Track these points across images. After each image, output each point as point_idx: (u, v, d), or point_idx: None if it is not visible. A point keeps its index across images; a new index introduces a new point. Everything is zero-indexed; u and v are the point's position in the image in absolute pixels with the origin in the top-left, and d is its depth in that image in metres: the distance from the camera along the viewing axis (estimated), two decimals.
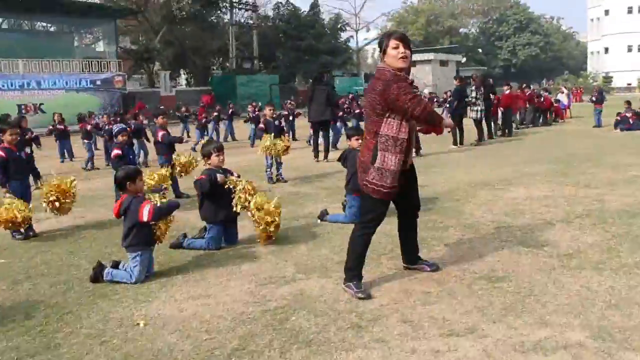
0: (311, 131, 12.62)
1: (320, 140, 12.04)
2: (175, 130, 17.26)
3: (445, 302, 3.71)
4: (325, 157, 11.57)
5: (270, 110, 9.49)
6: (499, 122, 15.95)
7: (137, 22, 39.13)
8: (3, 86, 26.39)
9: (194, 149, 15.27)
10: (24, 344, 3.45)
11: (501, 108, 15.89)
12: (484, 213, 6.11)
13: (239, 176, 5.63)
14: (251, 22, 43.81)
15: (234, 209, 5.23)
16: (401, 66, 3.76)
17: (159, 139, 7.94)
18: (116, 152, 6.93)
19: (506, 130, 15.88)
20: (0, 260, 5.32)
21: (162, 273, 4.70)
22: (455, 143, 13.26)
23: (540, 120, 19.54)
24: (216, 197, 5.32)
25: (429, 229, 5.53)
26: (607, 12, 69.11)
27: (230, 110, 19.21)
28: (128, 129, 7.44)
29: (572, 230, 5.23)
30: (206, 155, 5.52)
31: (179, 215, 6.31)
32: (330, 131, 13.91)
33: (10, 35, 31.24)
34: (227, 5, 40.44)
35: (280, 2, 46.73)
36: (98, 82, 30.11)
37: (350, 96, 24.23)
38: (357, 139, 6.12)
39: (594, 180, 7.81)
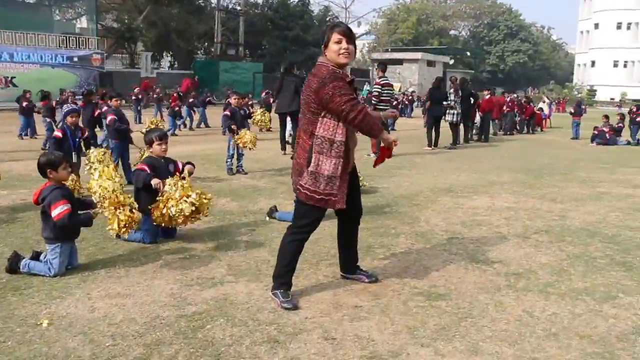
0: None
1: (290, 132, 11.76)
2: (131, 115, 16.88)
3: (375, 319, 3.42)
4: (293, 145, 11.23)
5: (235, 99, 9.27)
6: (476, 126, 15.79)
7: (121, 1, 38.25)
8: None
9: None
10: None
11: (480, 113, 15.73)
12: (440, 221, 5.85)
13: (182, 176, 5.12)
14: (239, 8, 43.11)
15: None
16: (342, 62, 3.46)
17: (107, 123, 7.56)
18: (56, 133, 6.62)
19: (482, 136, 15.72)
20: None
21: (87, 266, 4.36)
22: (429, 145, 13.05)
23: (522, 128, 19.45)
24: (151, 189, 4.98)
25: (378, 235, 5.25)
26: (596, 26, 69.59)
27: (208, 98, 18.87)
28: (78, 111, 7.03)
29: (527, 247, 4.98)
30: (148, 143, 5.17)
31: None
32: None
33: None
34: None
35: None
36: (75, 59, 29.39)
37: None
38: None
39: (560, 194, 7.61)
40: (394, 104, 23.55)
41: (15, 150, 11.39)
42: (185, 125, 17.07)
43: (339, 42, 3.43)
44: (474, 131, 15.83)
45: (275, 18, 44.56)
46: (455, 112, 13.34)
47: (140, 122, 17.68)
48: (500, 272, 4.26)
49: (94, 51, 30.63)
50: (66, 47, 29.16)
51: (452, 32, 71.11)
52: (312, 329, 3.28)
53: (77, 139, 6.77)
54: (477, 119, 15.68)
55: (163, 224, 4.76)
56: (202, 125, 17.64)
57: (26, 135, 13.50)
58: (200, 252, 4.74)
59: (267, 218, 5.80)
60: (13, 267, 4.19)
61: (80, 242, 4.85)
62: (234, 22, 43.33)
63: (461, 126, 14.07)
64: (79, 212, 4.27)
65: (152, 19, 37.59)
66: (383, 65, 11.80)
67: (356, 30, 62.90)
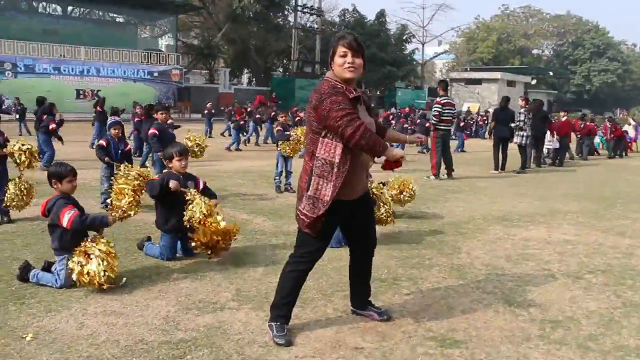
0: None
1: None
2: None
3: None
4: None
5: (282, 117, 9.83)
6: (548, 149, 14.83)
7: (203, 19, 39.71)
8: (64, 70, 27.33)
9: (228, 149, 15.14)
10: None
11: (557, 136, 14.75)
12: (483, 254, 5.30)
13: (200, 189, 5.03)
14: (316, 26, 43.59)
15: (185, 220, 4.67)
16: (347, 77, 3.15)
17: (148, 136, 7.65)
18: (101, 142, 6.73)
19: (557, 160, 14.71)
20: None
21: None
22: (496, 168, 12.31)
23: (610, 151, 18.27)
24: (168, 203, 4.84)
25: (410, 266, 4.80)
26: None
27: (273, 114, 18.98)
28: (120, 124, 7.12)
29: (576, 289, 4.34)
30: (168, 158, 5.02)
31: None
32: None
33: (77, 23, 32.45)
34: (291, 8, 40.44)
35: (347, 9, 46.38)
36: (155, 74, 30.74)
37: (407, 109, 23.74)
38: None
39: (631, 227, 6.77)
40: (461, 125, 22.76)
41: (79, 159, 11.81)
42: (249, 141, 17.18)
43: (344, 55, 3.14)
44: (548, 154, 14.85)
45: None
46: (525, 134, 12.50)
47: (210, 136, 18.03)
48: (535, 318, 3.69)
49: (173, 67, 31.92)
50: (147, 62, 30.60)
51: (534, 51, 68.49)
52: None
53: (120, 151, 6.80)
54: (551, 141, 14.68)
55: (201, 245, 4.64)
56: (269, 140, 17.70)
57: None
58: (214, 273, 4.50)
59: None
60: (23, 276, 4.15)
61: None
62: (311, 40, 43.87)
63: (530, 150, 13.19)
64: (95, 214, 4.17)
65: (231, 36, 38.72)
66: (444, 83, 11.28)
67: (436, 49, 62.06)
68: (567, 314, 3.78)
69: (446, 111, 10.78)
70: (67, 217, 3.97)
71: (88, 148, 13.69)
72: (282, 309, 3.36)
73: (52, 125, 10.35)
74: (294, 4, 40.25)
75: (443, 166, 10.89)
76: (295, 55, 41.73)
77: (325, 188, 3.08)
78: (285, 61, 45.94)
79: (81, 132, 16.89)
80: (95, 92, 27.98)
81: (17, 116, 18.33)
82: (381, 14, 46.13)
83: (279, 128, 9.31)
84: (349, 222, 3.40)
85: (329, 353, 3.13)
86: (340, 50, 3.14)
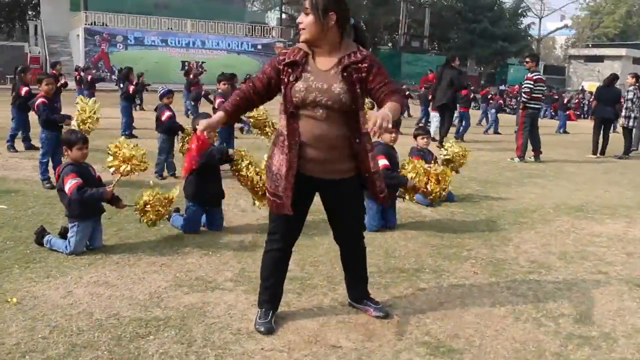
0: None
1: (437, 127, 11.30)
2: None
3: None
4: (441, 141, 10.32)
5: None
6: None
7: None
8: (171, 43, 28.57)
9: None
10: None
11: None
12: (534, 248, 4.64)
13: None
14: None
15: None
16: (301, 39, 2.79)
17: (215, 106, 7.62)
18: (168, 113, 6.75)
19: None
20: (0, 206, 5.26)
21: (107, 249, 4.22)
22: (594, 152, 11.09)
23: None
24: (206, 173, 4.72)
25: (442, 257, 4.30)
26: None
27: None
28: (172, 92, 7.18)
29: (630, 300, 3.59)
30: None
31: None
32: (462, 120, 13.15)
33: None
34: None
35: None
36: (259, 47, 31.27)
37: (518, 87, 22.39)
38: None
39: None
40: (565, 103, 20.83)
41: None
42: None
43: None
44: None
45: (462, 10, 42.60)
46: (634, 114, 11.08)
47: None
48: (560, 332, 3.09)
49: (277, 40, 32.27)
50: (252, 35, 31.18)
51: None
52: None
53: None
54: None
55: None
56: None
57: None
58: (227, 250, 4.31)
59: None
60: (38, 240, 4.21)
61: (118, 224, 4.77)
62: (420, 14, 42.43)
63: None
64: (96, 189, 4.10)
65: None
66: (535, 57, 10.21)
67: (557, 24, 57.62)
68: (604, 330, 3.14)
69: (537, 88, 9.81)
70: (67, 186, 3.95)
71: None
72: (264, 294, 3.09)
73: (132, 87, 10.68)
74: None
75: (530, 147, 9.97)
76: (403, 29, 40.59)
77: (275, 157, 2.85)
78: (394, 35, 44.84)
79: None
80: (199, 63, 29.02)
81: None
82: None
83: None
84: (329, 206, 3.05)
85: (299, 348, 2.81)
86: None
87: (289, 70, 2.77)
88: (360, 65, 2.75)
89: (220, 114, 2.93)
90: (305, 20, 2.70)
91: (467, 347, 2.88)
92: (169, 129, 6.76)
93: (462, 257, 4.36)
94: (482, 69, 48.35)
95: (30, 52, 30.22)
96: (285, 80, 2.78)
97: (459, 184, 6.87)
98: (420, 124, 11.63)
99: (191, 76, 15.46)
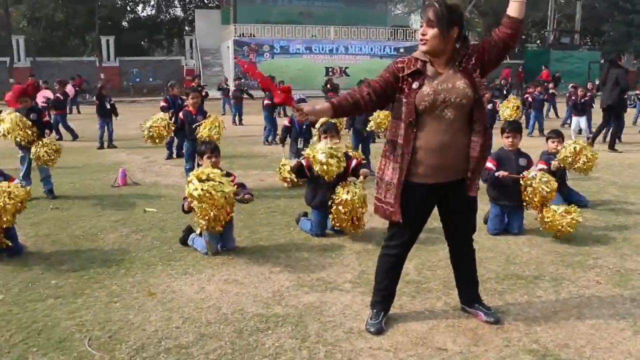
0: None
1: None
2: None
3: None
4: (611, 146, 9.94)
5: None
6: None
7: None
8: (315, 50, 29.61)
9: None
10: (56, 287, 3.75)
11: None
12: None
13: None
14: None
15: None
16: (421, 50, 2.81)
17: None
18: (285, 123, 7.13)
19: None
20: (150, 209, 5.88)
21: (241, 250, 4.52)
22: None
23: None
24: (313, 180, 4.89)
25: (565, 264, 4.03)
26: None
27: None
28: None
29: None
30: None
31: None
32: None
33: (331, 4, 34.19)
34: None
35: None
36: (401, 50, 31.12)
37: None
38: (508, 137, 5.10)
39: None
40: None
41: None
42: None
43: (421, 25, 2.84)
44: None
45: (619, 1, 38.53)
46: None
47: None
48: None
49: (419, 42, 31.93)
50: (394, 38, 31.20)
51: None
52: None
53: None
54: None
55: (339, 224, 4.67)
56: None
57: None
58: (350, 252, 4.41)
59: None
60: (184, 239, 4.64)
61: (252, 227, 5.09)
62: (570, 8, 39.37)
63: None
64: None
65: (482, 8, 36.99)
66: None
67: None
68: None
69: None
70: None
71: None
72: (376, 296, 3.16)
73: (267, 102, 11.08)
74: None
75: None
76: (552, 25, 37.91)
77: (388, 168, 2.85)
78: (542, 32, 42.09)
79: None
80: (343, 69, 29.72)
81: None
82: None
83: None
84: (445, 207, 3.03)
85: (406, 349, 2.82)
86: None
87: (410, 79, 2.80)
88: (469, 55, 2.82)
89: (327, 105, 2.94)
90: (430, 32, 2.72)
91: (577, 357, 2.70)
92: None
93: (587, 265, 4.02)
94: (621, 59, 43.09)
95: (186, 65, 33.18)
96: (406, 89, 2.80)
97: (597, 188, 6.37)
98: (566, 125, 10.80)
99: (328, 85, 15.93)
